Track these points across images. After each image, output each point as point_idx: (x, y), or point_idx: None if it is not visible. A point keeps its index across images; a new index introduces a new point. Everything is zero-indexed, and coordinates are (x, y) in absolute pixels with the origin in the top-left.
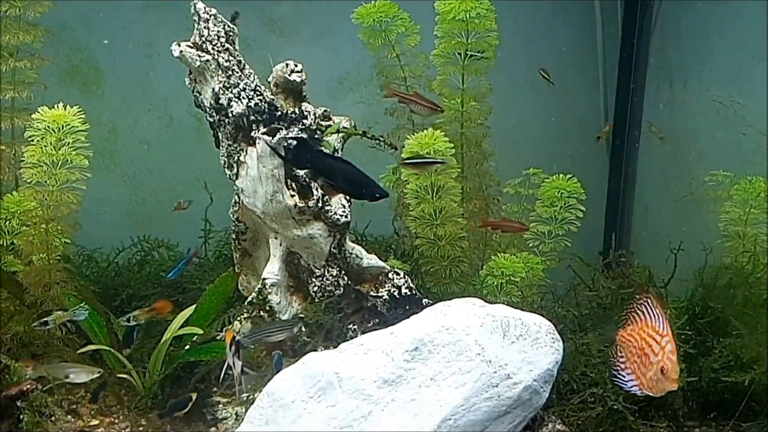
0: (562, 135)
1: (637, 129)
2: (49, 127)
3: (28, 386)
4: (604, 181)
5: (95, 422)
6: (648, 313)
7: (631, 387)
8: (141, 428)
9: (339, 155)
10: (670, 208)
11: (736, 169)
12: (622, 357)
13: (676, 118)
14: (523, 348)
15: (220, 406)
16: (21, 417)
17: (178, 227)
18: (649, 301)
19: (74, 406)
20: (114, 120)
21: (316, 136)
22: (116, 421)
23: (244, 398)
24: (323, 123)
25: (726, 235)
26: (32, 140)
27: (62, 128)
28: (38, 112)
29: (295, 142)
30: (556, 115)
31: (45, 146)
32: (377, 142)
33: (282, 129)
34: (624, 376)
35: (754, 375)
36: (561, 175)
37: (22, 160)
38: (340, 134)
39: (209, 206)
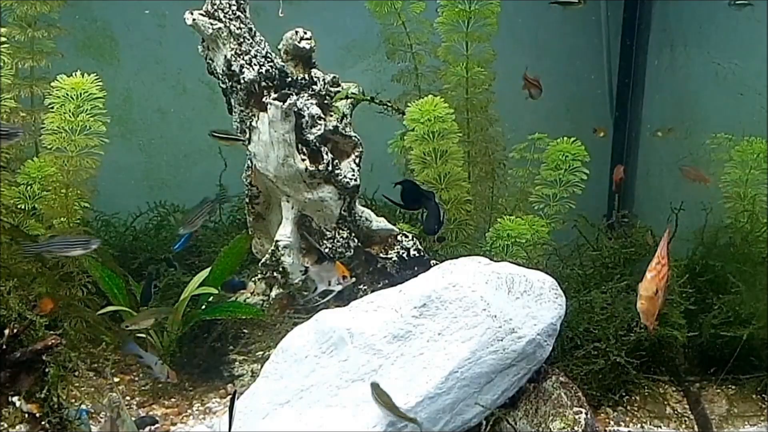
0: (567, 99)
1: (639, 93)
2: (67, 94)
3: (53, 341)
4: (609, 144)
5: (116, 379)
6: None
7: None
8: (160, 385)
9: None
10: (671, 170)
11: (735, 130)
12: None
13: (677, 81)
14: (527, 303)
15: (237, 363)
16: (46, 371)
17: (192, 193)
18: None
19: (95, 364)
20: (129, 89)
21: (326, 101)
22: (136, 378)
23: None
24: (332, 89)
25: (726, 196)
26: (52, 107)
27: (80, 95)
28: (57, 80)
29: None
30: (560, 80)
31: (64, 113)
32: (385, 107)
33: (292, 95)
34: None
35: (751, 330)
36: (565, 139)
37: (42, 127)
38: (349, 100)
39: (224, 171)
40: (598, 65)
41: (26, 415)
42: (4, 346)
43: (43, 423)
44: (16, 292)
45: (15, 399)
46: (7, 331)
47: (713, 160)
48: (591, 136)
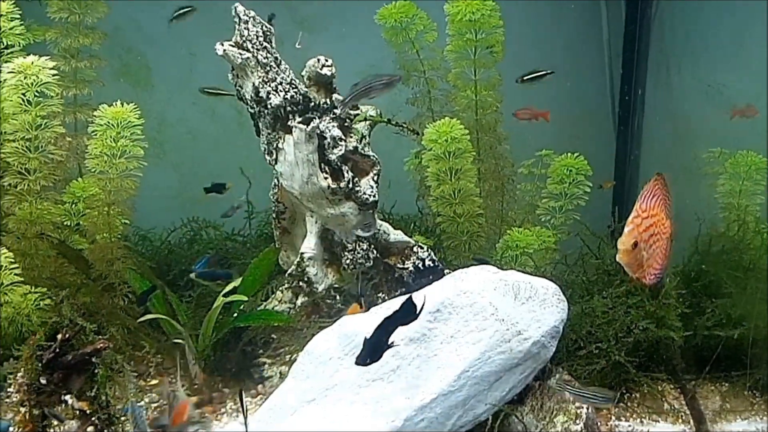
0: (572, 118)
1: (640, 111)
2: (108, 122)
3: (101, 345)
4: (612, 158)
5: (155, 381)
6: (646, 192)
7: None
8: (195, 386)
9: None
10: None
11: (727, 145)
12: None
13: (673, 100)
14: (532, 308)
15: (266, 366)
16: (95, 372)
17: (222, 210)
18: (654, 181)
19: (135, 369)
20: (162, 113)
21: (346, 124)
22: (173, 380)
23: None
24: (352, 112)
25: (722, 206)
26: (95, 134)
27: (120, 123)
28: (99, 110)
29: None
30: (565, 98)
31: (105, 139)
32: (401, 128)
33: (315, 118)
34: (656, 270)
35: (742, 331)
36: (569, 154)
37: (85, 151)
38: (368, 122)
39: (249, 189)
40: (601, 84)
41: (77, 412)
42: (58, 350)
43: (92, 419)
44: (67, 301)
45: (67, 397)
46: (59, 336)
47: (708, 172)
48: (595, 150)
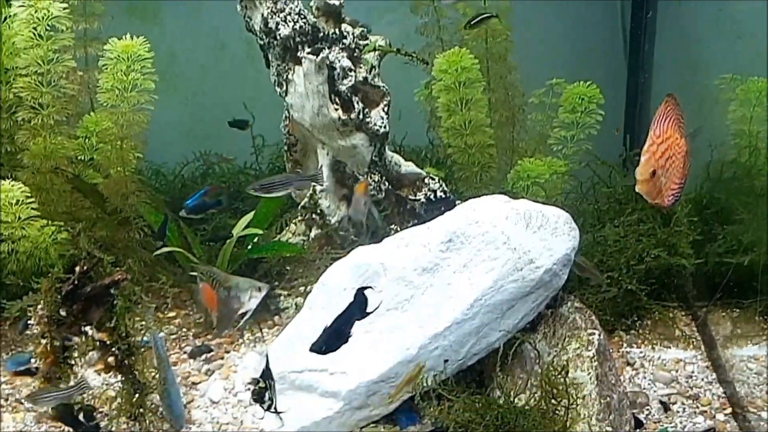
0: (582, 44)
1: (651, 38)
2: (119, 56)
3: (120, 276)
4: (623, 86)
5: (172, 314)
6: (659, 116)
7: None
8: (211, 317)
9: None
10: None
11: (739, 71)
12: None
13: (686, 25)
14: (544, 237)
15: (281, 297)
16: (115, 303)
17: (233, 143)
18: (666, 104)
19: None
20: (172, 47)
21: (356, 54)
22: (191, 312)
23: None
24: (361, 42)
25: (733, 133)
26: (105, 68)
27: (130, 57)
28: (109, 43)
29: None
30: (575, 26)
31: (116, 73)
32: (410, 58)
33: (325, 49)
34: (674, 189)
35: (753, 257)
36: (581, 82)
37: (96, 85)
38: (377, 52)
39: (253, 123)
40: (612, 9)
41: (98, 343)
42: (76, 282)
43: (113, 350)
44: (84, 234)
45: (87, 329)
46: (78, 268)
47: (720, 99)
48: (606, 79)
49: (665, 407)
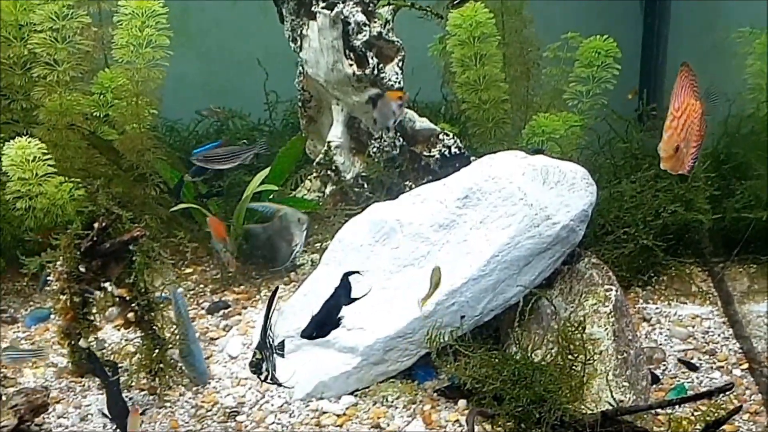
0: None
1: None
2: (133, 12)
3: (138, 232)
4: (638, 39)
5: (189, 270)
6: (677, 88)
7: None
8: (229, 274)
9: None
10: (698, 64)
11: (757, 25)
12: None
13: None
14: (561, 192)
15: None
16: (133, 259)
17: (247, 98)
18: (681, 73)
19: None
20: (184, 1)
21: (370, 8)
22: (207, 269)
23: None
24: None
25: (751, 87)
26: (120, 24)
27: (145, 13)
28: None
29: None
30: None
31: (131, 29)
32: (424, 12)
33: (339, 3)
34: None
35: None
36: (598, 36)
37: (111, 41)
38: (391, 6)
39: (266, 80)
40: None
41: (117, 299)
42: (95, 238)
43: (132, 305)
44: (103, 190)
45: (106, 285)
46: (96, 225)
47: (738, 53)
48: (620, 32)
49: (691, 367)
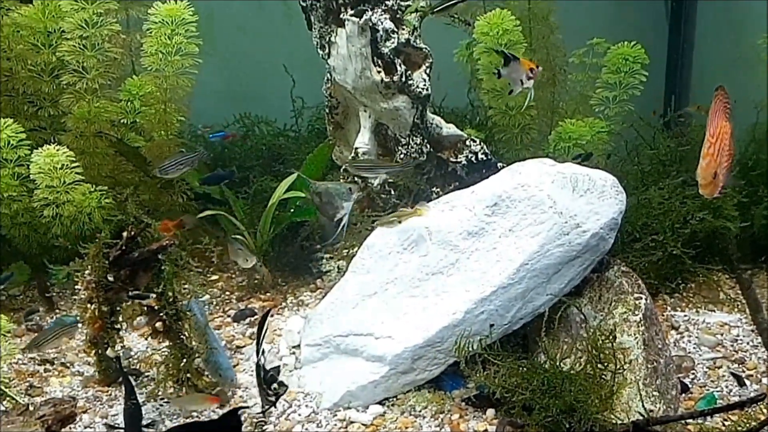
0: (624, 4)
1: None
2: (163, 20)
3: (167, 242)
4: (664, 45)
5: (215, 277)
6: (712, 113)
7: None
8: (255, 280)
9: None
10: (725, 70)
11: None
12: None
13: None
14: (591, 200)
15: (324, 260)
16: (162, 268)
17: (271, 104)
18: (716, 98)
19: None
20: (210, 7)
21: (398, 15)
22: (233, 275)
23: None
24: (403, 3)
25: None
26: (150, 32)
27: (174, 20)
28: (153, 7)
29: None
30: None
31: (160, 37)
32: (452, 19)
33: (368, 10)
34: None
35: None
36: (626, 43)
37: (138, 48)
38: (418, 13)
39: (293, 87)
40: None
41: (145, 308)
42: (124, 247)
43: (160, 314)
44: (132, 199)
45: (135, 293)
46: (125, 234)
47: (764, 59)
48: (646, 37)
49: (740, 381)
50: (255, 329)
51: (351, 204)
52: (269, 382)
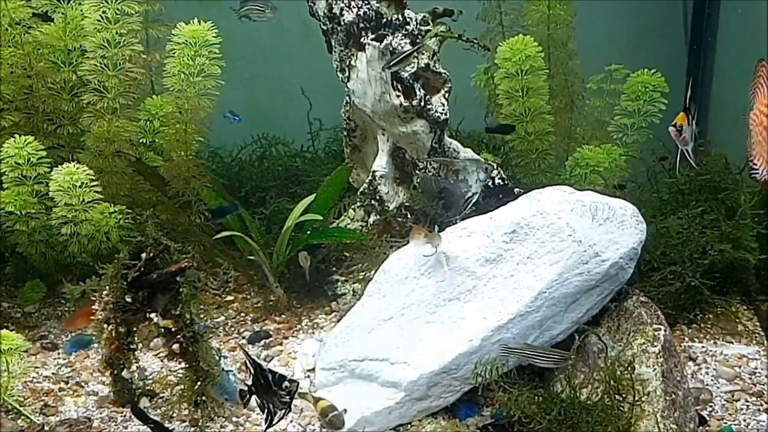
0: (642, 30)
1: (714, 24)
2: (187, 41)
3: (186, 264)
4: (683, 71)
5: (230, 298)
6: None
7: (761, 174)
8: (270, 303)
9: None
10: (747, 98)
11: None
12: (753, 142)
13: (751, 14)
14: (610, 229)
15: (339, 283)
16: (180, 290)
17: (290, 126)
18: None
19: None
20: (230, 28)
21: (418, 40)
22: (248, 297)
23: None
24: (423, 28)
25: None
26: (173, 52)
27: (198, 42)
28: (177, 28)
29: None
30: (636, 11)
31: (183, 58)
32: (471, 44)
33: (388, 35)
34: (756, 165)
35: None
36: (646, 70)
37: (158, 68)
38: (438, 38)
39: (310, 110)
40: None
41: (162, 330)
42: (142, 269)
43: (177, 337)
44: (152, 220)
45: (152, 315)
46: (144, 255)
47: None
48: (664, 63)
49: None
50: (270, 352)
51: (484, 181)
52: (279, 382)
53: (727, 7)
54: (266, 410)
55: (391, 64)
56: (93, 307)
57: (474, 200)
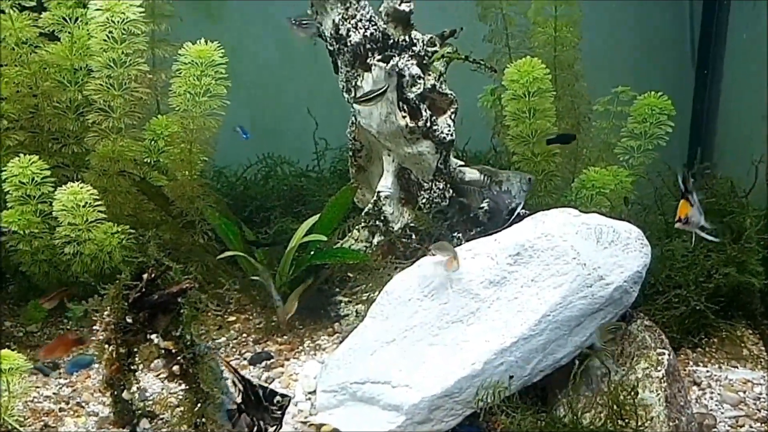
0: (649, 52)
1: (722, 46)
2: (193, 61)
3: (188, 285)
4: (689, 95)
5: (232, 318)
6: None
7: None
8: (273, 323)
9: None
10: (753, 121)
11: None
12: None
13: (759, 36)
14: (615, 253)
15: (342, 304)
16: (181, 311)
17: (295, 144)
18: None
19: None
20: (236, 46)
21: (425, 61)
22: (251, 317)
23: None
24: (430, 49)
25: None
26: (179, 72)
27: (204, 62)
28: (183, 48)
29: None
30: (642, 33)
31: (189, 77)
32: (478, 65)
33: (395, 56)
34: None
35: None
36: (652, 93)
37: (163, 87)
38: (445, 59)
39: (316, 130)
40: (681, 18)
41: (163, 351)
42: (144, 290)
43: (178, 358)
44: (154, 241)
45: (153, 336)
46: (145, 276)
47: None
48: (672, 88)
49: None
50: (271, 373)
51: (527, 192)
52: (270, 397)
53: (734, 30)
54: (255, 428)
55: (361, 100)
56: (70, 336)
57: (518, 211)
